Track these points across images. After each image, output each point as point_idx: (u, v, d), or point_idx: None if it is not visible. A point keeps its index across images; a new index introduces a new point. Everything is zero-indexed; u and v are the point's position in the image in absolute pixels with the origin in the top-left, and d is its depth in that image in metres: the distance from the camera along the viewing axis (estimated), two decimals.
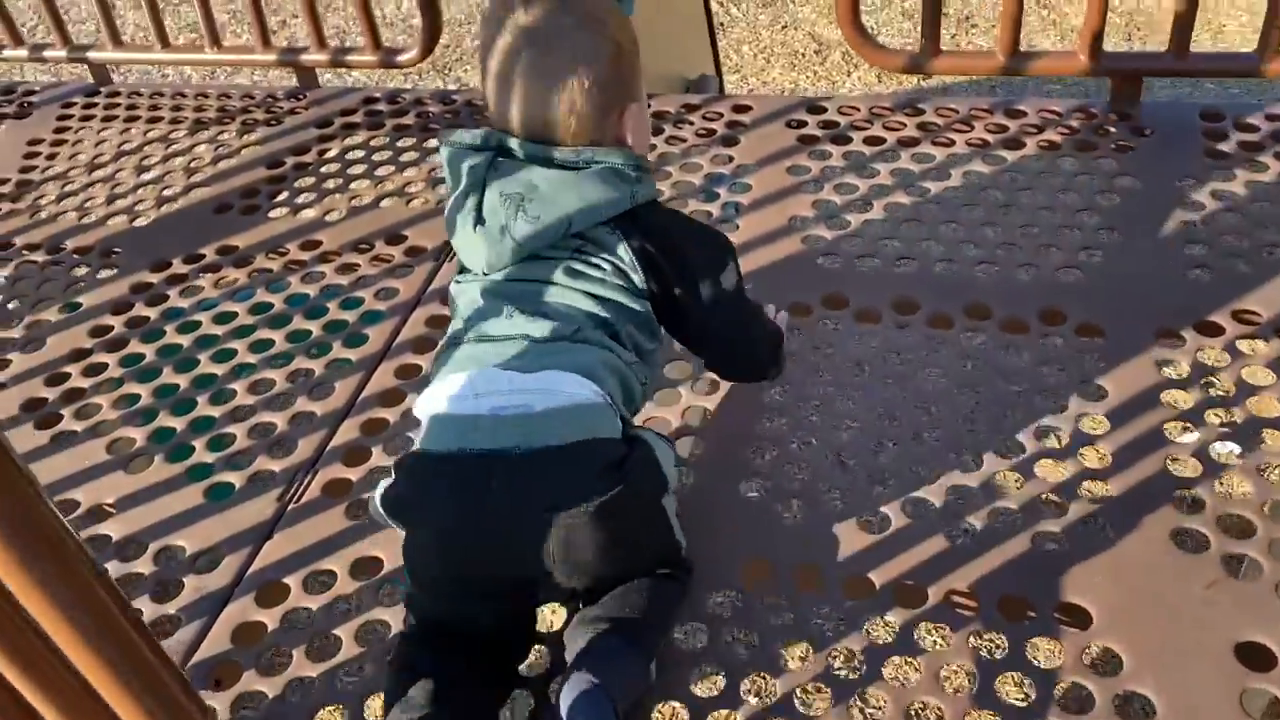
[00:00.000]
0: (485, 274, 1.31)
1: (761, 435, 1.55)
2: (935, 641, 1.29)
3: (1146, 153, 1.96)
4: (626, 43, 1.30)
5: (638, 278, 1.29)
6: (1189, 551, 1.32)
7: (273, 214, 2.20)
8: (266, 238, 2.12)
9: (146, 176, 2.38)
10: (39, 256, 2.18)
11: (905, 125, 2.12)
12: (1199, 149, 1.95)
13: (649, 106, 1.42)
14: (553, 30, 1.26)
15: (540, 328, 1.25)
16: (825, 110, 2.20)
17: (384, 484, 1.27)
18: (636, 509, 1.23)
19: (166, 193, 2.31)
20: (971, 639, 1.28)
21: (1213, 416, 1.48)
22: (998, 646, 1.26)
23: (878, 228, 1.90)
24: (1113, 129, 2.03)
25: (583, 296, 1.28)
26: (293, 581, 1.46)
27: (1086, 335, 1.64)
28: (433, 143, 2.33)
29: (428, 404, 1.26)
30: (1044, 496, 1.41)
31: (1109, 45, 1.97)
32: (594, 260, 1.29)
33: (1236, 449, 1.44)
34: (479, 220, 1.28)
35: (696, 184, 2.06)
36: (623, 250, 1.28)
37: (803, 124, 2.18)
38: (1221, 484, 1.40)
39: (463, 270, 1.37)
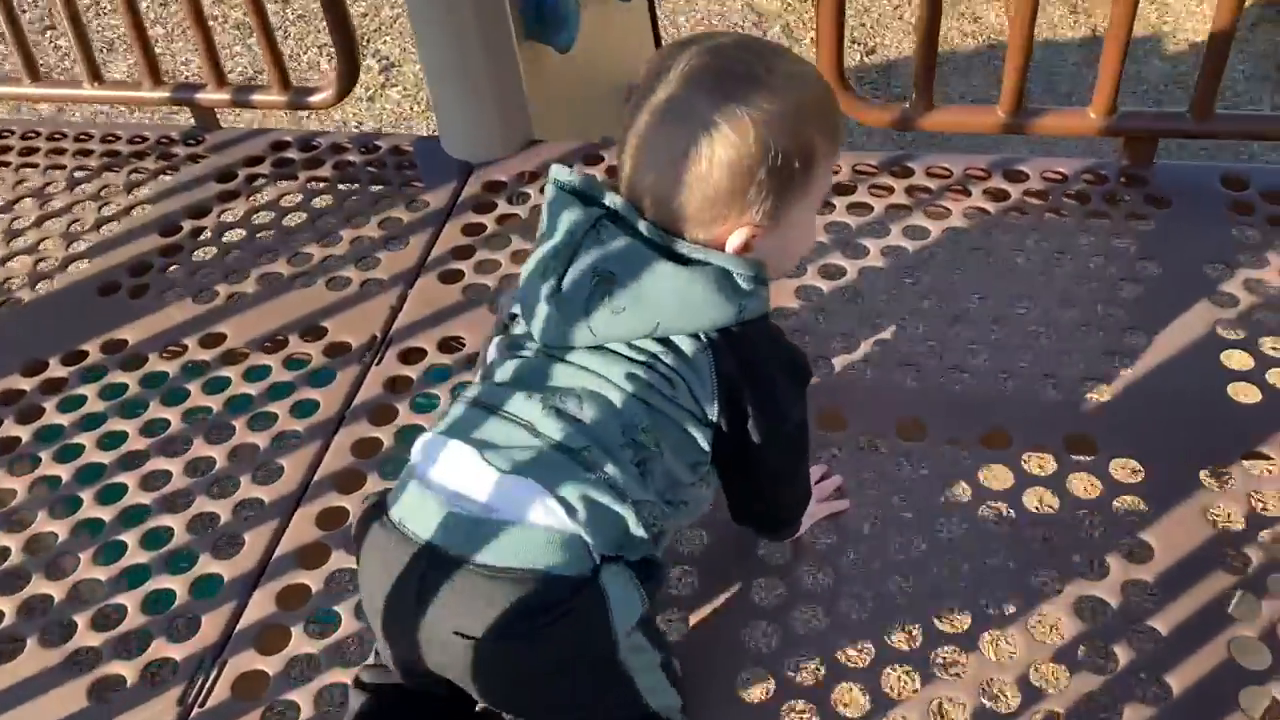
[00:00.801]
0: (543, 345, 1.12)
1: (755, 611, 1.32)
2: None
3: (1166, 228, 1.74)
4: (800, 146, 1.08)
5: (712, 410, 1.11)
6: None
7: (167, 294, 1.89)
8: (160, 330, 1.81)
9: (18, 244, 2.05)
10: None
11: (893, 190, 1.88)
12: (1223, 223, 1.74)
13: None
14: (694, 104, 1.06)
15: (553, 428, 1.07)
16: None
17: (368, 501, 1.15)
18: (556, 662, 1.05)
19: (41, 266, 1.98)
20: None
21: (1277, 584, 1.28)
22: None
23: (871, 327, 1.66)
24: (1126, 197, 1.81)
25: (631, 406, 1.08)
26: None
27: (1123, 473, 1.42)
28: (354, 201, 2.03)
29: (421, 445, 1.14)
30: (1096, 696, 1.20)
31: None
32: (665, 371, 1.09)
33: None
34: (558, 289, 1.09)
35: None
36: (705, 367, 1.10)
37: None
38: None
39: (513, 319, 1.19)
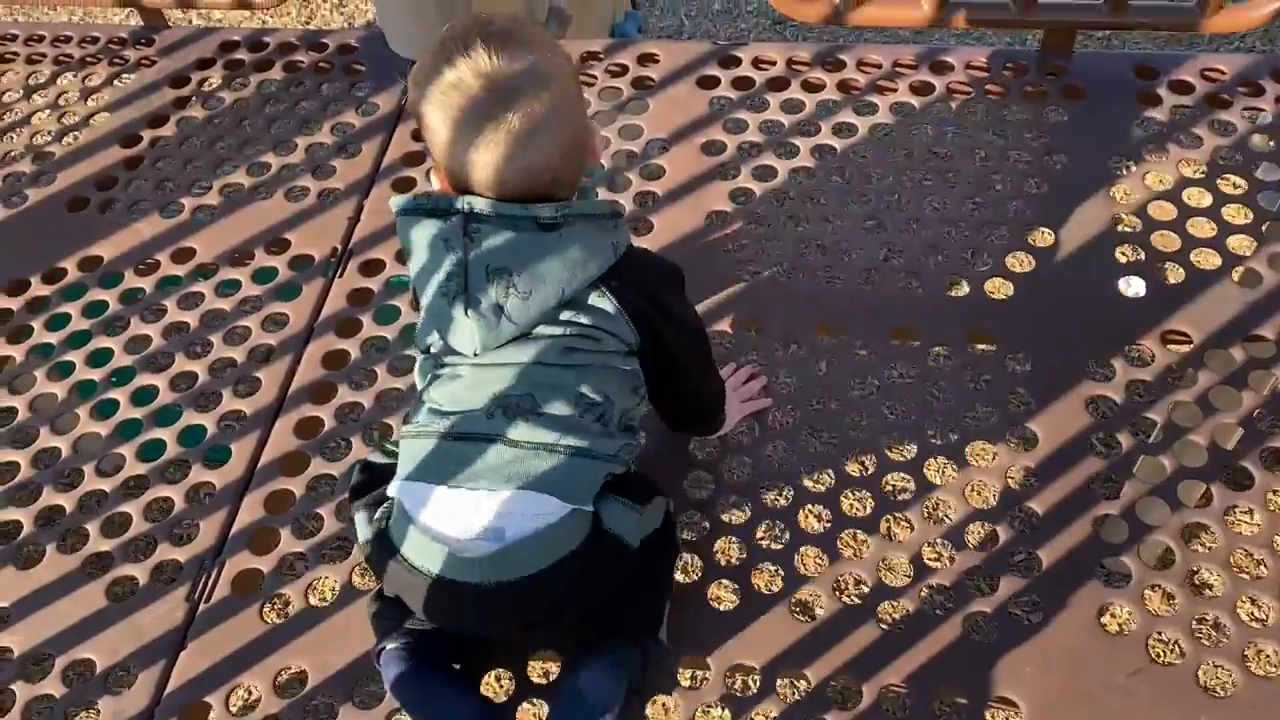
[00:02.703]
0: (475, 355, 1.22)
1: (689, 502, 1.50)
2: None
3: (1077, 121, 1.85)
4: (574, 74, 1.24)
5: (632, 337, 1.26)
6: (1113, 635, 1.34)
7: (135, 209, 1.98)
8: (132, 246, 1.92)
9: None
10: None
11: (825, 84, 1.96)
12: (1132, 115, 1.84)
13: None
14: (511, 78, 1.15)
15: (522, 431, 1.20)
16: (739, 63, 2.01)
17: (363, 523, 1.29)
18: (598, 594, 1.27)
19: (10, 183, 2.05)
20: None
21: (1143, 467, 1.47)
22: None
23: (797, 228, 1.78)
24: (1044, 87, 1.90)
25: (575, 376, 1.22)
26: (214, 701, 1.41)
27: (1017, 364, 1.59)
28: (306, 106, 2.10)
29: (402, 489, 1.25)
30: (973, 574, 1.41)
31: None
32: (588, 332, 1.23)
33: (1167, 507, 1.43)
34: (470, 303, 1.18)
35: (605, 165, 1.90)
36: (615, 311, 1.23)
37: (715, 82, 2.00)
38: (1149, 553, 1.41)
39: (440, 348, 1.26)
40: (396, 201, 1.24)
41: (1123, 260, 1.68)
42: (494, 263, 1.17)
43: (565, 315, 1.21)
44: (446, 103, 1.16)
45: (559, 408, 1.21)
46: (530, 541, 1.19)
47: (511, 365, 1.22)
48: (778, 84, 1.98)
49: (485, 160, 1.16)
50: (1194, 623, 1.34)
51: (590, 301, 1.22)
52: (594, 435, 1.23)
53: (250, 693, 1.42)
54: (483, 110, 1.14)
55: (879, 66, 1.97)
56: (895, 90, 1.93)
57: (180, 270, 1.87)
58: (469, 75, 1.14)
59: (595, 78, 2.03)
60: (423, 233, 1.21)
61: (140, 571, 1.53)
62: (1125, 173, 1.77)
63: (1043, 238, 1.73)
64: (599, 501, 1.23)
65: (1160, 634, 1.35)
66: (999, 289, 1.68)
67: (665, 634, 1.33)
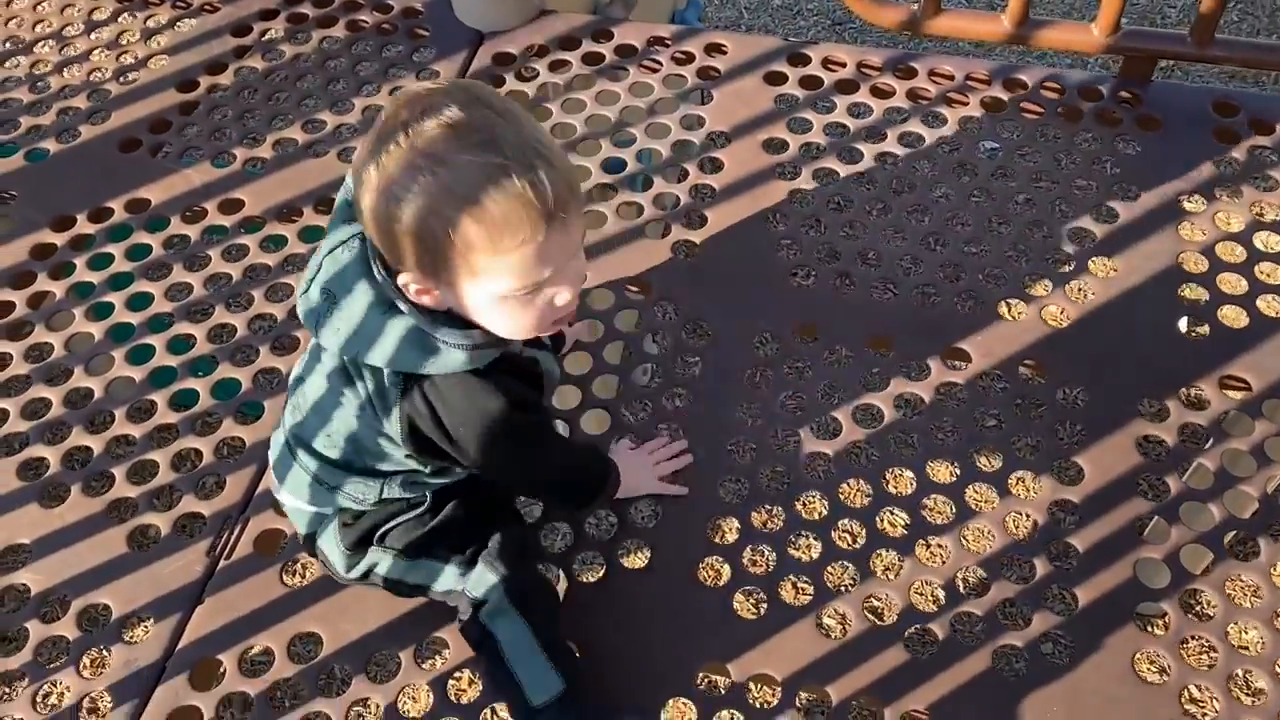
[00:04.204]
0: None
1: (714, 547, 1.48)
2: None
3: (1150, 152, 1.80)
4: (442, 223, 1.06)
5: (397, 434, 1.22)
6: (1147, 683, 1.31)
7: (187, 155, 1.96)
8: (180, 192, 1.90)
9: (42, 93, 2.10)
10: None
11: (894, 91, 1.92)
12: (1208, 151, 1.79)
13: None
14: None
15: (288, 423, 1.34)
16: (809, 61, 1.97)
17: None
18: None
19: (65, 117, 2.04)
20: None
21: (1190, 513, 1.43)
22: None
23: (856, 238, 1.75)
24: (1119, 114, 1.85)
25: (325, 412, 1.27)
26: (227, 660, 1.40)
27: (1069, 399, 1.55)
28: (365, 67, 2.07)
29: None
30: (1006, 606, 1.37)
31: None
32: (361, 393, 1.22)
33: (1209, 556, 1.40)
34: (306, 294, 1.21)
35: (664, 154, 1.87)
36: (394, 406, 1.19)
37: (782, 79, 1.96)
38: (1192, 600, 1.37)
39: None
40: (349, 181, 1.19)
41: (1185, 299, 1.64)
42: (329, 284, 1.21)
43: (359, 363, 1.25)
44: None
45: (308, 427, 1.30)
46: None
47: (318, 365, 1.30)
48: (846, 86, 1.93)
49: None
50: (1229, 680, 1.31)
51: (379, 374, 1.22)
52: (323, 465, 1.32)
53: (264, 654, 1.40)
54: (389, 161, 1.10)
55: (951, 78, 1.93)
56: (966, 104, 1.89)
57: (227, 221, 1.85)
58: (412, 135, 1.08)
59: (660, 64, 1.99)
60: (338, 219, 1.23)
61: (163, 521, 1.52)
62: (1195, 209, 1.73)
63: (1105, 269, 1.68)
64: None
65: (1196, 686, 1.31)
66: (1057, 317, 1.64)
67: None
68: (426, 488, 1.31)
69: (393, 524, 1.32)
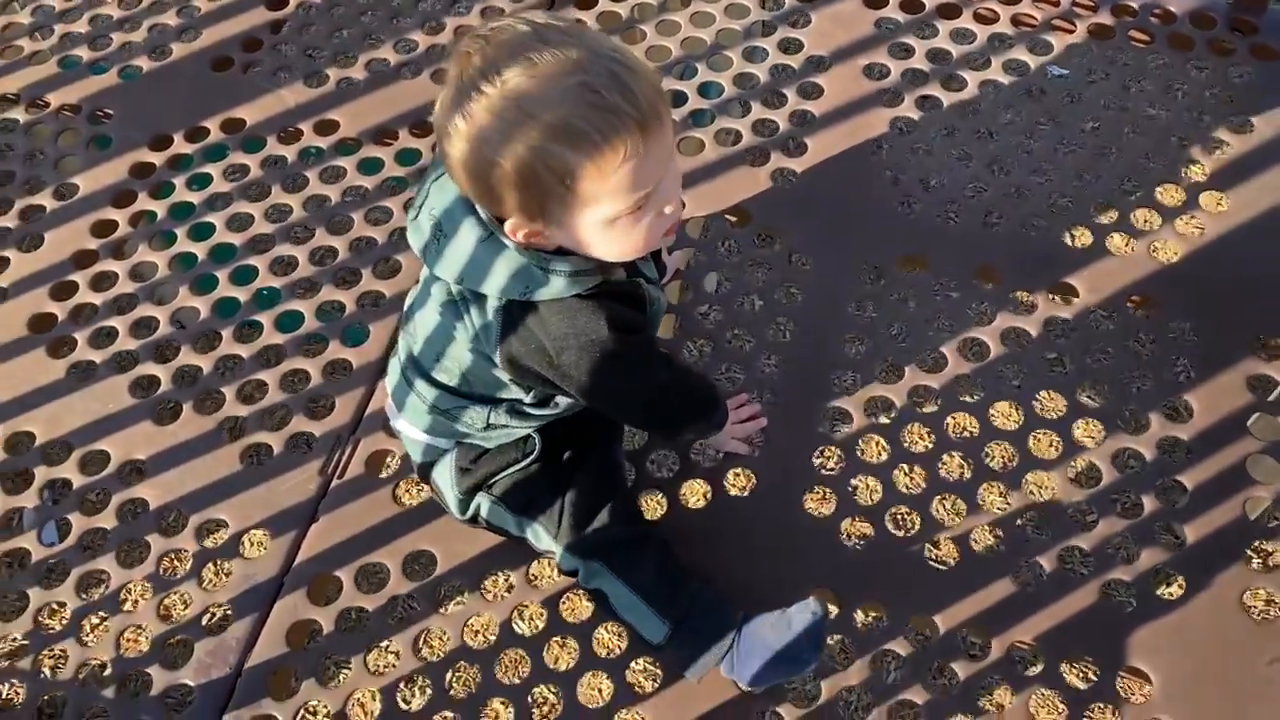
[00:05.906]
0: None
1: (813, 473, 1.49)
2: (996, 698, 1.31)
3: (1264, 83, 1.75)
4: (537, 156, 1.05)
5: (499, 358, 1.23)
6: (1256, 620, 1.32)
7: (279, 74, 1.96)
8: (275, 112, 1.90)
9: (132, 8, 2.09)
10: (17, 113, 1.96)
11: (998, 16, 1.87)
12: None
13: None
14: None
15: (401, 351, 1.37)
16: None
17: None
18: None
19: (156, 35, 2.03)
20: (1032, 700, 1.29)
21: None
22: (1058, 711, 1.28)
23: (960, 165, 1.72)
24: (1232, 44, 1.79)
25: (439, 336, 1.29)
26: (344, 576, 1.43)
27: (1180, 332, 1.54)
28: None
29: None
30: (1116, 541, 1.38)
31: None
32: (464, 320, 1.23)
33: None
34: (414, 220, 1.23)
35: (761, 80, 1.84)
36: (495, 335, 1.20)
37: (883, 2, 1.91)
38: None
39: None
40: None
41: None
42: (437, 214, 1.22)
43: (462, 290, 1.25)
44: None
45: (421, 355, 1.33)
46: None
47: (430, 295, 1.31)
48: (949, 11, 1.89)
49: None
50: None
51: (484, 301, 1.23)
52: (438, 391, 1.33)
53: (379, 570, 1.44)
54: (472, 106, 1.08)
55: (1056, 4, 1.87)
56: (1072, 31, 1.84)
57: (323, 142, 1.85)
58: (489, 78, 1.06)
59: None
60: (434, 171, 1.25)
61: (275, 440, 1.55)
62: None
63: (1216, 203, 1.65)
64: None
65: None
66: (1168, 252, 1.61)
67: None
68: (529, 419, 1.33)
69: (502, 475, 1.35)
